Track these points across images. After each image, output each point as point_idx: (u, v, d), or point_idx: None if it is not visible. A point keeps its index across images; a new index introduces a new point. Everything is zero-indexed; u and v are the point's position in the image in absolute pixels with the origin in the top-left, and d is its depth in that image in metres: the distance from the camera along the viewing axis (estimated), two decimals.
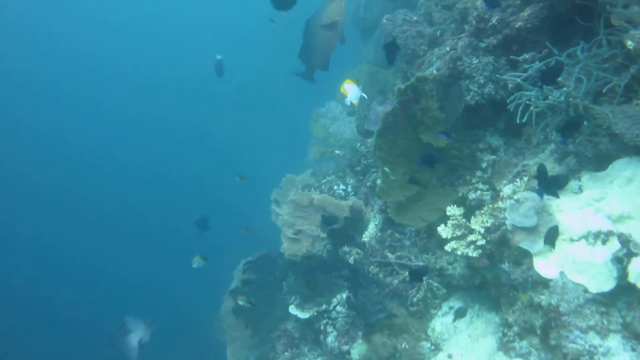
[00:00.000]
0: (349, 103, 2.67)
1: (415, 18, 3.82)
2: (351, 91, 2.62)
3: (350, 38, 7.16)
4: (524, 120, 2.39)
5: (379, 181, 2.87)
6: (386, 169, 2.83)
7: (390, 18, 3.88)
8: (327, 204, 3.59)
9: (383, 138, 2.84)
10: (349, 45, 7.14)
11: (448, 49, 2.85)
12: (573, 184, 2.41)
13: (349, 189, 3.80)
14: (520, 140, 2.79)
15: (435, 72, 2.90)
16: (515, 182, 2.57)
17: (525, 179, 2.55)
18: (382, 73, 5.20)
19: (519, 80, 2.49)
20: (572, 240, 2.07)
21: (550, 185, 2.21)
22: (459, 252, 2.50)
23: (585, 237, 2.06)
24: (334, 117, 5.23)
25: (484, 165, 2.84)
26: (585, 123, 2.24)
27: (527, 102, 2.39)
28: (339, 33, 3.12)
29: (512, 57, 2.61)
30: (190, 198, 13.47)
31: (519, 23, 2.53)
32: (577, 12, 2.40)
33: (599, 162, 2.38)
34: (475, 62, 2.68)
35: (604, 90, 2.24)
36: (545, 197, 2.29)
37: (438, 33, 3.57)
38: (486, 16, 2.65)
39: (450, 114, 2.78)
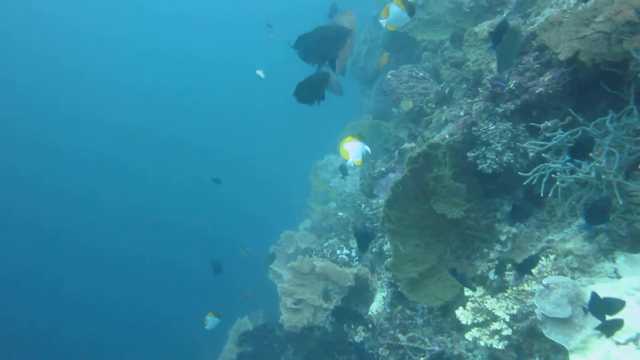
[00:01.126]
0: (352, 165, 2.37)
1: (421, 74, 3.67)
2: (353, 150, 2.31)
3: (349, 88, 7.09)
4: (549, 195, 2.18)
5: (389, 259, 2.61)
6: (397, 242, 2.58)
7: (395, 74, 3.73)
8: (331, 271, 3.32)
9: (393, 209, 2.60)
10: (348, 95, 7.06)
11: (462, 113, 2.67)
12: (607, 266, 2.17)
13: (353, 254, 3.54)
14: (543, 211, 2.57)
15: (447, 136, 2.70)
16: (540, 262, 2.32)
17: (552, 257, 2.30)
18: (384, 125, 5.04)
19: (541, 149, 2.30)
20: (617, 343, 1.81)
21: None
22: (482, 343, 2.22)
23: (635, 340, 1.79)
24: (335, 170, 5.02)
25: (502, 238, 2.60)
26: (620, 202, 2.02)
27: (552, 175, 2.18)
28: (352, 45, 2.88)
29: (532, 123, 2.42)
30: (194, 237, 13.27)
31: (540, 89, 2.36)
32: (603, 78, 2.24)
33: (635, 242, 2.15)
34: (492, 128, 2.49)
35: (639, 166, 2.03)
36: (579, 284, 2.05)
37: (447, 91, 3.41)
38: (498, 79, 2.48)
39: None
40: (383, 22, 2.50)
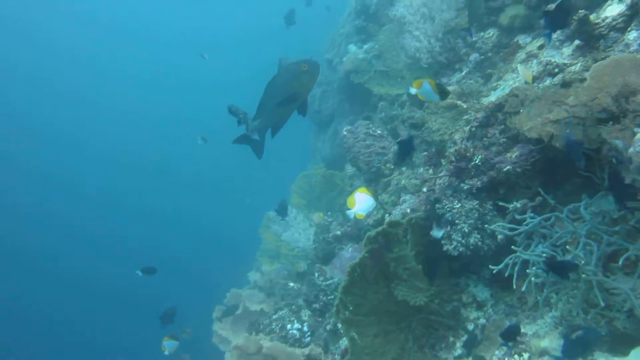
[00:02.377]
0: (352, 216, 2.27)
1: (378, 131, 3.46)
2: (361, 203, 2.25)
3: (303, 130, 6.83)
4: (522, 289, 1.95)
5: (346, 357, 2.29)
6: (354, 334, 2.27)
7: (351, 130, 3.50)
8: (279, 353, 2.95)
9: (349, 294, 2.30)
10: (303, 137, 6.78)
11: (425, 189, 2.43)
12: None
13: (305, 328, 3.19)
14: (512, 295, 2.35)
15: (409, 211, 2.46)
16: (513, 359, 2.08)
17: (526, 356, 2.06)
18: (338, 176, 4.80)
19: (510, 234, 2.09)
20: None
21: None
22: None
23: None
24: (287, 222, 4.69)
25: (470, 326, 2.35)
26: (602, 303, 1.81)
27: (527, 270, 1.96)
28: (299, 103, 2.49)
29: (500, 203, 2.21)
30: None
31: (507, 166, 2.16)
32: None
33: (616, 342, 1.95)
34: (457, 206, 2.26)
35: (620, 263, 1.85)
36: None
37: None
38: (467, 154, 2.28)
39: None
40: (413, 90, 2.27)
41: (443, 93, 2.20)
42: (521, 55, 2.85)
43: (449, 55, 3.45)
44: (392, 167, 3.22)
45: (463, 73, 3.33)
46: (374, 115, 4.68)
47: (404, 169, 3.20)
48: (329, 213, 4.64)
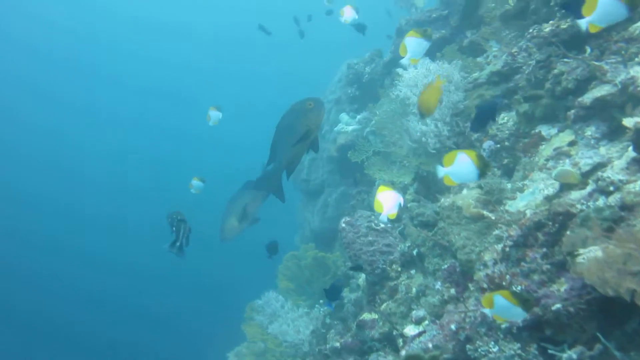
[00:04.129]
0: (386, 219, 1.99)
1: (382, 225, 3.05)
2: (388, 202, 1.95)
3: (291, 200, 6.43)
4: None
5: None
6: None
7: (351, 223, 3.08)
8: None
9: None
10: (290, 207, 6.34)
11: (454, 327, 2.00)
12: None
13: None
14: None
15: (431, 347, 2.01)
16: None
17: None
18: (330, 259, 4.34)
19: None
20: None
21: None
22: None
23: None
24: (274, 312, 4.18)
25: None
26: None
27: None
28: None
29: (549, 350, 1.79)
30: None
31: (557, 304, 1.75)
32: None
33: None
34: (494, 350, 1.83)
35: None
36: None
37: (414, 252, 2.79)
38: (503, 282, 1.87)
39: None
40: (405, 61, 2.16)
41: (485, 167, 1.82)
42: (546, 150, 2.51)
43: (458, 139, 3.12)
44: (399, 269, 2.79)
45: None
46: (369, 197, 4.31)
47: (412, 272, 2.77)
48: (321, 301, 4.16)
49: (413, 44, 2.18)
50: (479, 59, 3.73)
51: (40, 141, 20.11)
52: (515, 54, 2.92)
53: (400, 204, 2.01)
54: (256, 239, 4.71)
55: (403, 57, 2.19)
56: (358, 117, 4.75)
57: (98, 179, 18.96)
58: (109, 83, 21.78)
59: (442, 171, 1.83)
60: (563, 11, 2.66)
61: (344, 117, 4.90)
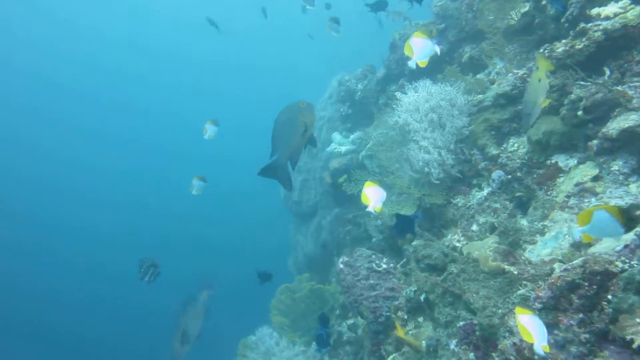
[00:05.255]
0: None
1: (384, 265, 2.78)
2: (373, 196, 2.13)
3: (282, 222, 6.13)
4: None
5: None
6: None
7: (349, 264, 2.80)
8: None
9: None
10: (280, 230, 6.04)
11: None
12: None
13: None
14: None
15: None
16: None
17: None
18: (328, 291, 4.06)
19: None
20: None
21: None
22: None
23: None
24: (268, 350, 3.89)
25: None
26: None
27: None
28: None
29: None
30: None
31: None
32: None
33: None
34: None
35: None
36: None
37: (422, 298, 2.51)
38: (527, 352, 1.60)
39: None
40: (412, 64, 2.02)
41: (632, 221, 1.55)
42: (566, 184, 2.26)
43: (464, 167, 2.87)
44: (406, 317, 2.52)
45: (484, 192, 2.73)
46: (367, 221, 4.03)
47: (420, 319, 2.50)
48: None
49: (420, 45, 2.00)
50: (480, 76, 3.49)
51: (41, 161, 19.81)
52: (525, 76, 2.67)
53: (383, 198, 2.16)
54: (248, 268, 4.42)
55: (410, 60, 2.03)
56: (351, 136, 4.48)
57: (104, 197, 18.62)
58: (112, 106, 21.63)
59: (578, 233, 1.56)
60: (578, 27, 2.42)
61: (336, 136, 4.63)
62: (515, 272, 1.85)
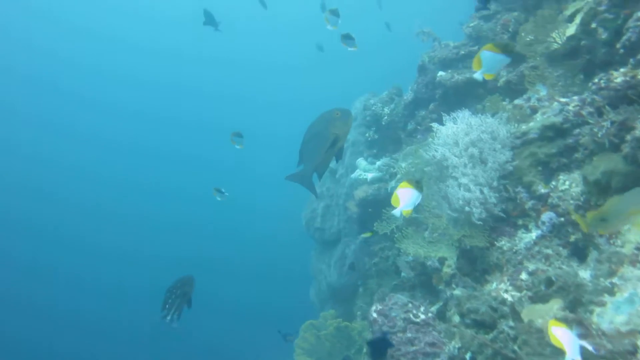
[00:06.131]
0: (399, 214, 2.09)
1: (422, 315, 2.53)
2: (405, 199, 2.09)
3: (303, 248, 5.90)
4: None
5: None
6: None
7: (383, 313, 2.57)
8: None
9: None
10: (301, 256, 5.81)
11: None
12: None
13: None
14: None
15: None
16: None
17: None
18: (355, 329, 3.82)
19: None
20: None
21: None
22: None
23: None
24: None
25: None
26: None
27: None
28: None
29: None
30: None
31: None
32: None
33: None
34: None
35: None
36: None
37: (467, 357, 2.26)
38: None
39: None
40: (478, 75, 2.00)
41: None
42: (634, 233, 2.00)
43: (508, 206, 2.62)
44: None
45: (533, 236, 2.48)
46: (395, 254, 3.80)
47: None
48: None
49: (490, 59, 1.98)
50: (518, 102, 3.24)
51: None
52: (578, 108, 2.42)
53: (417, 201, 2.11)
54: (270, 301, 4.23)
55: (475, 72, 2.02)
56: (378, 163, 4.26)
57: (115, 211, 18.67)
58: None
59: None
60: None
61: (361, 162, 4.41)
62: (590, 348, 1.59)
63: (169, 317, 2.78)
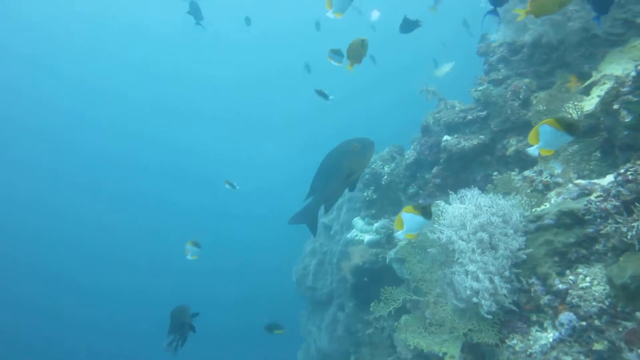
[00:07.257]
0: (402, 237, 2.14)
1: None
2: (409, 223, 2.07)
3: (293, 307, 5.58)
4: None
5: None
6: None
7: None
8: None
9: None
10: (290, 316, 5.48)
11: None
12: None
13: None
14: None
15: None
16: None
17: None
18: None
19: None
20: None
21: None
22: None
23: None
24: None
25: None
26: None
27: None
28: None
29: None
30: None
31: None
32: None
33: None
34: None
35: None
36: None
37: None
38: None
39: None
40: (534, 150, 1.95)
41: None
42: None
43: (520, 298, 2.35)
44: None
45: (550, 338, 2.20)
46: (390, 326, 3.49)
47: None
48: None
49: (550, 135, 1.87)
50: (528, 173, 3.03)
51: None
52: (601, 199, 2.19)
53: (421, 227, 2.10)
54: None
55: (531, 146, 1.98)
56: (376, 225, 4.01)
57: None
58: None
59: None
60: None
61: (358, 222, 4.16)
62: None
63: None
